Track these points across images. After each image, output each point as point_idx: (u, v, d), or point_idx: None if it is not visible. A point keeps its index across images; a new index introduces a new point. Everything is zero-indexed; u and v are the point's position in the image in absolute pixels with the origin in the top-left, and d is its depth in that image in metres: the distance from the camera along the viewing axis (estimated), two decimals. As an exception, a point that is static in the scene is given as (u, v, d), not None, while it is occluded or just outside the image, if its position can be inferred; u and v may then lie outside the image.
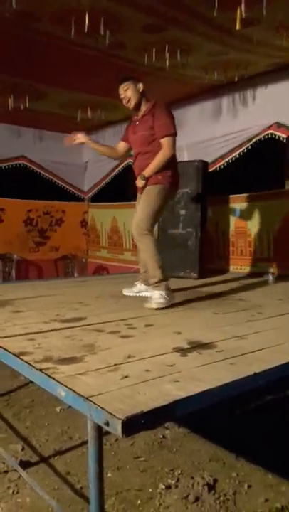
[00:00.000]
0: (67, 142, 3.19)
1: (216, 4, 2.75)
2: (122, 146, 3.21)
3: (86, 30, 3.01)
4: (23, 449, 2.50)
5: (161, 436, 2.62)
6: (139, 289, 3.16)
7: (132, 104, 2.92)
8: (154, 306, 2.64)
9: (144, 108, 2.94)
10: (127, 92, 2.90)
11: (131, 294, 3.16)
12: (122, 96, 2.95)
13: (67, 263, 6.60)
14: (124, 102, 2.95)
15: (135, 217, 2.86)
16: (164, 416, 1.23)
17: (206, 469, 2.27)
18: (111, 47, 3.44)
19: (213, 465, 2.32)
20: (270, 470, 2.25)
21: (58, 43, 3.45)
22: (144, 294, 3.08)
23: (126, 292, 3.20)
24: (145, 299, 2.79)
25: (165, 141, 2.81)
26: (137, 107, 2.94)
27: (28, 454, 2.45)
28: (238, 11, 2.80)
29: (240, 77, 4.16)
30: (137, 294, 3.13)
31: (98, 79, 4.26)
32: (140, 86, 2.91)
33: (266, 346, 1.82)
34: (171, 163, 2.88)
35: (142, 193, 2.97)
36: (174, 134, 2.82)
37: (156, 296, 2.67)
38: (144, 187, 2.88)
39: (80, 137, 3.14)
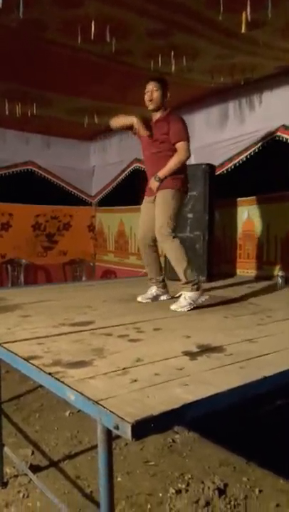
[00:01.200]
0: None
1: (222, 8, 2.75)
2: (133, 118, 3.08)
3: (92, 37, 3.03)
4: (32, 453, 2.51)
5: (171, 441, 2.61)
6: (156, 293, 3.11)
7: (152, 105, 2.96)
8: (179, 309, 2.68)
9: (160, 114, 3.00)
10: (155, 93, 2.93)
11: (145, 301, 3.06)
12: (148, 91, 2.96)
13: (75, 267, 6.62)
14: (147, 98, 2.97)
15: (156, 223, 2.86)
16: (174, 420, 1.23)
17: (216, 474, 2.26)
18: (117, 53, 3.45)
19: (224, 469, 2.31)
20: (281, 474, 2.23)
21: (65, 51, 3.48)
22: (161, 298, 3.10)
23: (141, 299, 3.08)
24: (164, 303, 2.82)
25: (180, 146, 2.87)
26: (155, 109, 2.99)
27: (37, 458, 2.45)
28: (244, 13, 2.80)
29: (246, 81, 4.16)
30: (154, 301, 3.07)
31: (105, 85, 4.30)
32: (168, 95, 2.99)
33: (276, 350, 1.81)
34: (183, 169, 2.95)
35: (150, 195, 3.00)
36: (188, 140, 2.89)
37: (182, 299, 2.72)
38: (157, 189, 2.91)
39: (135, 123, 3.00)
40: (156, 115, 3.01)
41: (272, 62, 3.81)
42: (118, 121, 3.16)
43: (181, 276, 2.77)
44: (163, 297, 3.11)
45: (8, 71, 3.87)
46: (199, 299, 2.76)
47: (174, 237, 2.81)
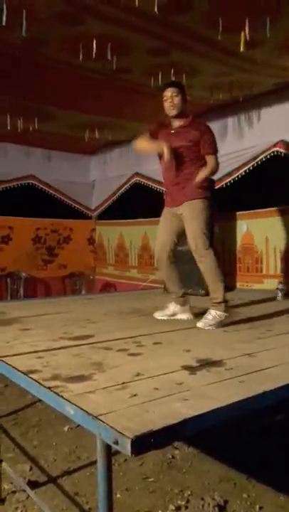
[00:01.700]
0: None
1: (221, 28, 2.82)
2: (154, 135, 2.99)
3: (94, 55, 3.10)
4: (31, 469, 2.48)
5: (171, 457, 2.59)
6: (174, 311, 2.99)
7: (175, 111, 2.85)
8: (207, 327, 2.62)
9: (182, 120, 2.88)
10: (175, 99, 2.82)
11: (164, 318, 2.96)
12: (167, 99, 2.85)
13: (75, 280, 6.63)
14: (168, 105, 2.85)
15: (190, 236, 2.78)
16: (174, 435, 1.23)
17: (216, 490, 2.23)
18: (118, 71, 3.53)
19: (224, 486, 2.28)
20: (281, 491, 2.20)
21: (66, 68, 3.55)
22: (179, 316, 2.96)
23: (158, 316, 2.99)
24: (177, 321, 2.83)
25: (212, 158, 2.84)
26: (178, 115, 2.87)
27: (36, 474, 2.42)
28: (242, 33, 2.87)
29: (245, 97, 4.23)
30: (171, 318, 2.96)
31: (105, 101, 4.37)
32: (187, 98, 2.90)
33: (276, 364, 1.80)
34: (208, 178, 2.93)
35: (172, 206, 2.91)
36: (217, 151, 2.90)
37: (210, 317, 2.66)
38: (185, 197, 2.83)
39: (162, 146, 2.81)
40: (178, 121, 2.88)
41: (270, 80, 3.89)
42: (145, 147, 3.00)
43: (216, 293, 2.72)
44: (181, 316, 2.96)
45: (10, 86, 3.94)
46: (224, 321, 2.69)
47: (209, 251, 2.74)
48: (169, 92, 2.84)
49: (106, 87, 3.99)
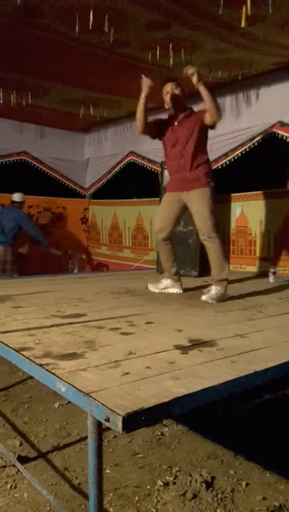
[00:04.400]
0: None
1: (222, 2, 2.74)
2: (151, 129, 3.15)
3: (90, 27, 2.99)
4: (21, 444, 2.50)
5: (160, 434, 2.62)
6: (166, 285, 3.22)
7: (177, 101, 3.02)
8: (210, 300, 2.83)
9: (184, 111, 3.07)
10: (176, 90, 3.02)
11: (156, 291, 3.22)
12: (169, 92, 3.02)
13: (68, 259, 6.59)
14: (170, 98, 3.03)
15: (203, 223, 2.94)
16: (165, 413, 1.23)
17: (204, 467, 2.28)
18: (115, 44, 3.42)
19: (212, 463, 2.33)
20: (268, 468, 2.25)
21: (62, 40, 3.44)
22: (170, 290, 3.20)
23: (151, 288, 3.25)
24: (158, 297, 3.00)
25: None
26: (180, 106, 3.05)
27: (26, 450, 2.45)
28: (244, 8, 2.79)
29: (243, 76, 4.15)
30: (163, 291, 3.20)
31: (101, 76, 4.26)
32: (185, 90, 3.06)
33: (267, 345, 1.82)
34: (210, 165, 3.13)
35: (177, 191, 3.06)
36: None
37: (213, 292, 2.88)
38: (191, 184, 3.00)
39: (145, 86, 2.97)
40: (181, 113, 3.06)
41: (270, 58, 3.81)
42: (139, 112, 3.04)
43: (221, 273, 2.94)
44: (174, 290, 3.20)
45: (3, 59, 3.81)
46: (225, 297, 2.93)
47: (217, 237, 2.95)
48: (168, 86, 3.03)
49: (102, 62, 3.88)
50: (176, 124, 3.07)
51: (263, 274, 4.31)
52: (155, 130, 3.18)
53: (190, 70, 2.82)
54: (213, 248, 2.96)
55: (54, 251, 5.89)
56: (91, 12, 2.92)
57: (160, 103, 3.17)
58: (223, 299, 2.89)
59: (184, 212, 3.17)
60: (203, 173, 3.01)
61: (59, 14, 3.04)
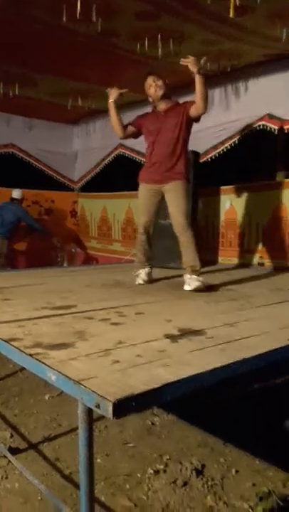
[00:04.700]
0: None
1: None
2: (130, 129, 3.25)
3: (78, 16, 2.96)
4: (11, 436, 2.50)
5: (150, 423, 2.65)
6: (151, 273, 3.32)
7: (161, 91, 3.06)
8: (193, 288, 2.89)
9: (169, 102, 3.11)
10: (158, 82, 3.06)
11: (141, 282, 3.23)
12: (151, 85, 3.08)
13: (57, 253, 6.55)
14: (153, 90, 3.08)
15: (177, 215, 3.02)
16: (155, 399, 1.24)
17: (194, 455, 2.30)
18: (103, 34, 3.40)
19: (202, 451, 2.35)
20: (257, 455, 2.29)
21: (50, 30, 3.40)
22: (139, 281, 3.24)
23: (141, 281, 3.24)
24: (146, 288, 3.05)
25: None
26: (164, 97, 3.08)
27: (16, 441, 2.45)
28: (232, -2, 2.78)
29: (232, 68, 4.15)
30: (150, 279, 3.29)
31: (90, 66, 4.22)
32: (166, 81, 3.11)
33: (255, 334, 1.84)
34: (189, 160, 3.24)
35: (155, 183, 3.11)
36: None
37: (195, 282, 2.92)
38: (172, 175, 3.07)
39: (113, 93, 3.13)
40: (165, 104, 3.10)
41: (260, 50, 3.81)
42: (115, 123, 3.19)
43: (194, 263, 2.99)
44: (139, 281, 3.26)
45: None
46: (205, 283, 2.97)
47: (190, 229, 3.03)
48: (150, 79, 3.08)
49: (91, 52, 3.84)
50: (161, 114, 3.10)
51: (251, 265, 4.35)
52: (136, 130, 3.24)
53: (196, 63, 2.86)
54: (187, 239, 3.02)
55: (56, 241, 6.25)
56: (78, 1, 2.88)
57: (145, 96, 3.18)
58: (203, 285, 2.93)
59: (161, 204, 3.24)
60: (184, 166, 3.07)
61: (46, 4, 3.00)
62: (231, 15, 2.81)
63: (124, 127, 3.20)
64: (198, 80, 2.84)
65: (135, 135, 3.28)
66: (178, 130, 3.03)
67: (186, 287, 2.94)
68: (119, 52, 3.81)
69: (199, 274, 3.00)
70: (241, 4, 2.80)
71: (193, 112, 2.97)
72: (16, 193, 5.76)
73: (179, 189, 3.04)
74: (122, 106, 3.22)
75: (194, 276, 2.95)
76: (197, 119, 3.06)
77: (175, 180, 3.05)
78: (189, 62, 2.81)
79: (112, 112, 3.13)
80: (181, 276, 3.43)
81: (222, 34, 3.46)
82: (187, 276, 2.99)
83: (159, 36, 3.45)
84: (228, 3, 2.82)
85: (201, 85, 2.86)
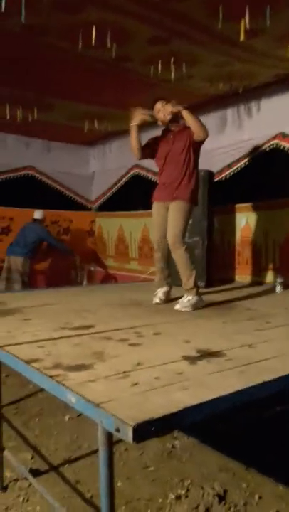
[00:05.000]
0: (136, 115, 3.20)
1: (221, 16, 2.80)
2: (146, 151, 3.32)
3: (93, 43, 3.07)
4: (32, 457, 2.51)
5: (171, 446, 2.61)
6: (168, 292, 3.29)
7: (170, 116, 3.12)
8: (183, 309, 2.89)
9: (177, 125, 3.17)
10: (167, 107, 3.12)
11: (161, 301, 3.20)
12: (160, 110, 3.15)
13: (77, 272, 6.61)
14: (161, 115, 3.15)
15: (170, 231, 3.05)
16: (174, 423, 1.23)
17: (216, 480, 2.26)
18: (117, 59, 3.50)
19: (223, 475, 2.31)
20: (280, 481, 2.23)
21: (66, 56, 3.53)
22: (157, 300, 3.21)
23: (158, 301, 3.21)
24: (164, 308, 3.03)
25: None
26: (172, 121, 3.15)
27: (37, 463, 2.45)
28: (242, 22, 2.85)
29: (244, 88, 4.20)
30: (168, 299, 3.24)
31: (105, 91, 4.34)
32: (174, 106, 3.14)
33: (275, 355, 1.81)
34: (198, 182, 3.21)
35: (162, 201, 3.17)
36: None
37: (185, 300, 2.95)
38: (174, 195, 3.10)
39: (137, 115, 3.18)
40: (174, 127, 3.18)
41: (270, 71, 3.86)
42: (133, 142, 3.22)
43: (188, 281, 3.01)
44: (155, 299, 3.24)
45: (9, 76, 3.91)
46: (199, 304, 2.99)
47: (182, 247, 3.04)
48: (159, 104, 3.16)
49: (105, 77, 3.96)
50: (170, 137, 3.20)
51: (269, 284, 4.31)
52: (152, 151, 3.31)
53: (169, 109, 3.05)
54: (178, 256, 3.05)
55: (78, 260, 6.32)
56: (94, 28, 3.00)
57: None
58: (197, 306, 2.94)
59: None
60: (189, 188, 3.12)
61: (63, 31, 3.13)
62: (242, 38, 2.87)
63: (143, 150, 3.27)
64: (185, 116, 2.99)
65: (151, 156, 3.36)
66: (185, 153, 3.11)
67: (176, 306, 2.95)
68: (133, 76, 3.92)
69: (195, 293, 2.99)
70: (251, 28, 2.86)
71: (196, 137, 3.05)
72: (38, 214, 5.90)
73: (179, 208, 3.09)
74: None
75: (188, 297, 2.96)
76: (202, 142, 3.13)
77: (178, 199, 3.11)
78: (173, 107, 3.03)
79: (134, 135, 3.18)
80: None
81: (233, 56, 3.53)
82: (184, 295, 3.00)
83: (172, 60, 3.53)
84: (238, 27, 2.89)
85: (190, 118, 2.99)
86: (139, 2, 2.71)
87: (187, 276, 3.03)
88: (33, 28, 3.05)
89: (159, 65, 3.58)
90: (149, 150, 3.31)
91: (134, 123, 3.17)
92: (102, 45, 3.17)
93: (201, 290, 3.37)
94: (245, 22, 2.82)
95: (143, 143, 3.28)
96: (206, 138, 3.07)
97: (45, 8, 2.82)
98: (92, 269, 6.77)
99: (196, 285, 3.02)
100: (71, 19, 2.96)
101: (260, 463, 2.39)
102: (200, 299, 3.02)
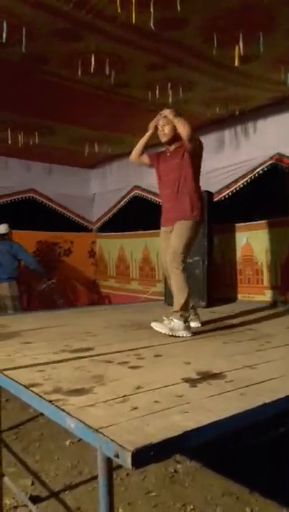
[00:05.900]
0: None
1: (216, 43, 2.89)
2: (144, 158, 3.33)
3: (92, 70, 3.16)
4: (32, 483, 2.47)
5: (173, 471, 2.57)
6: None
7: (164, 139, 3.13)
8: (157, 328, 2.78)
9: (177, 144, 3.13)
10: (166, 128, 3.10)
11: (162, 331, 2.82)
12: (160, 130, 3.14)
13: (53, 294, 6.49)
14: (161, 136, 3.14)
15: (169, 250, 3.00)
16: (174, 447, 1.23)
17: (219, 504, 2.22)
18: (116, 85, 3.60)
19: (227, 500, 2.26)
20: (284, 504, 2.18)
21: (66, 83, 3.63)
22: (192, 324, 3.04)
23: (159, 328, 2.86)
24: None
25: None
26: (170, 141, 3.12)
27: (37, 489, 2.41)
28: (237, 48, 2.94)
29: (241, 111, 4.29)
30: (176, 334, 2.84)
31: (104, 115, 4.44)
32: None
33: (276, 376, 1.81)
34: (201, 199, 3.15)
35: (167, 225, 3.15)
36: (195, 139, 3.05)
37: (165, 322, 2.82)
38: (175, 218, 3.04)
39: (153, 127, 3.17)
40: (173, 146, 3.16)
41: (266, 94, 3.95)
42: (141, 142, 3.23)
43: (176, 303, 2.90)
44: (193, 324, 3.05)
45: (11, 102, 4.01)
46: (181, 331, 2.77)
47: (182, 269, 2.95)
48: (161, 122, 3.11)
49: (105, 102, 4.06)
50: (168, 155, 3.20)
51: (271, 303, 4.30)
52: (148, 162, 3.31)
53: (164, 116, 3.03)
54: (174, 278, 2.97)
55: (51, 284, 5.83)
56: (92, 57, 3.09)
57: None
58: (176, 332, 2.75)
59: None
60: (189, 204, 3.04)
61: (62, 60, 3.23)
62: (237, 64, 2.95)
63: (141, 154, 3.27)
64: (176, 122, 2.98)
65: (149, 165, 3.35)
66: (179, 170, 3.08)
67: (152, 323, 2.83)
68: (131, 101, 4.01)
69: (178, 317, 2.80)
70: (246, 53, 2.95)
71: (186, 143, 3.01)
72: (2, 228, 5.38)
73: (180, 228, 3.03)
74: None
75: (170, 319, 2.81)
76: (192, 150, 3.04)
77: (180, 220, 3.06)
78: (167, 114, 3.01)
79: (145, 137, 3.20)
80: (202, 315, 3.41)
81: (228, 81, 3.62)
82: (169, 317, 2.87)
83: (169, 85, 3.62)
84: (233, 53, 2.98)
85: (177, 121, 2.96)
86: (136, 31, 2.80)
87: (178, 298, 2.92)
88: (33, 56, 3.14)
89: (157, 90, 3.68)
90: (147, 159, 3.30)
91: (150, 130, 3.17)
92: (101, 72, 3.27)
93: (202, 310, 3.36)
94: (240, 48, 2.91)
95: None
96: (189, 135, 2.94)
97: (45, 38, 2.91)
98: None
99: (182, 309, 2.86)
100: (70, 48, 3.05)
101: (263, 486, 2.34)
102: (182, 325, 2.79)
